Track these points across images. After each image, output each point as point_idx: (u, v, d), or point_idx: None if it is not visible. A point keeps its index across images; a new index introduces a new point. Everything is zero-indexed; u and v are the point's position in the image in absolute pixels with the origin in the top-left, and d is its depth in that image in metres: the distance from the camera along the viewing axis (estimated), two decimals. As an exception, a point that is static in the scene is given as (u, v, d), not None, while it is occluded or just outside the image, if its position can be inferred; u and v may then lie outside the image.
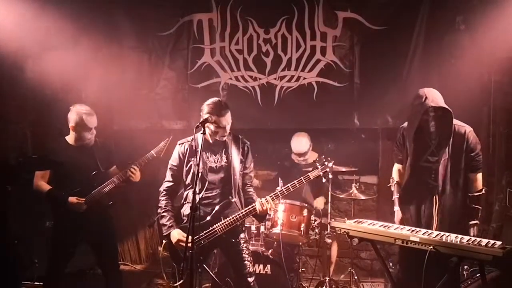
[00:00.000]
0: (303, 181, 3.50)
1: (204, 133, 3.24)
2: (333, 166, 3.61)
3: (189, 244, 2.99)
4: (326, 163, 3.53)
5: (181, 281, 3.23)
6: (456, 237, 3.03)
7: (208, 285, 4.36)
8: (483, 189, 3.63)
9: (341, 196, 4.67)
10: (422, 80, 4.78)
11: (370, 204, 5.35)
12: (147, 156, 3.91)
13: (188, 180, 3.55)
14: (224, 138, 3.51)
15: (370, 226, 3.29)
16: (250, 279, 3.56)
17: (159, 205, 3.60)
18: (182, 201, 3.61)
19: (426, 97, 3.47)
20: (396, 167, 3.92)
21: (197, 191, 3.10)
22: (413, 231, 3.17)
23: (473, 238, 3.00)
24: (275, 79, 5.18)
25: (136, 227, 5.73)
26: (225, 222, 3.46)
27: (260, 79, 5.20)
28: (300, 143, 4.77)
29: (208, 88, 5.29)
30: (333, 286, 4.51)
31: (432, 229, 3.45)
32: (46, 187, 3.87)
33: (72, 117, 3.84)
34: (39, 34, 5.05)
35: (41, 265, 4.38)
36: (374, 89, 5.00)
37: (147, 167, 3.98)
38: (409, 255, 3.49)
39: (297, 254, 4.60)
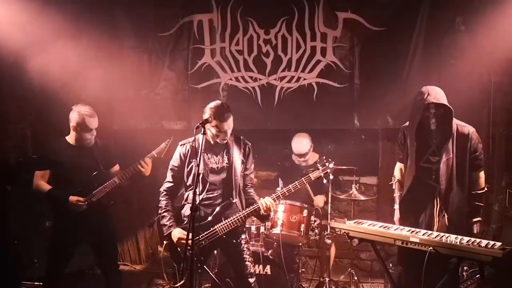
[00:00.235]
0: (304, 182, 3.50)
1: (204, 133, 3.24)
2: (334, 167, 3.61)
3: (190, 244, 2.99)
4: (327, 164, 3.53)
5: (182, 282, 3.23)
6: (456, 238, 3.03)
7: (208, 285, 4.37)
8: (486, 187, 3.65)
9: (341, 196, 4.67)
10: (422, 81, 4.78)
11: (370, 204, 5.36)
12: (148, 157, 3.91)
13: (189, 181, 3.56)
14: (225, 141, 3.52)
15: (370, 227, 3.29)
16: (251, 280, 3.57)
17: (159, 205, 3.60)
18: (183, 201, 3.62)
19: (428, 94, 3.48)
20: (398, 166, 3.93)
21: (198, 192, 3.10)
22: (413, 231, 3.17)
23: (472, 239, 3.00)
24: (275, 79, 5.18)
25: (136, 227, 5.73)
26: (226, 222, 3.47)
27: (260, 79, 5.21)
28: (301, 143, 4.78)
29: (208, 89, 5.29)
30: (333, 287, 4.51)
31: (433, 230, 3.45)
32: (46, 187, 3.87)
33: (74, 117, 3.84)
34: (39, 34, 5.04)
35: (41, 265, 4.39)
36: (374, 90, 5.01)
37: (151, 165, 3.97)
38: (408, 256, 3.49)
39: (297, 255, 4.60)
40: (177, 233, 3.47)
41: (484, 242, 2.94)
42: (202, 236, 3.42)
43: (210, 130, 3.42)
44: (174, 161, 3.62)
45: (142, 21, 5.30)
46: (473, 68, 4.72)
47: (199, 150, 3.21)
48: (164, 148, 3.91)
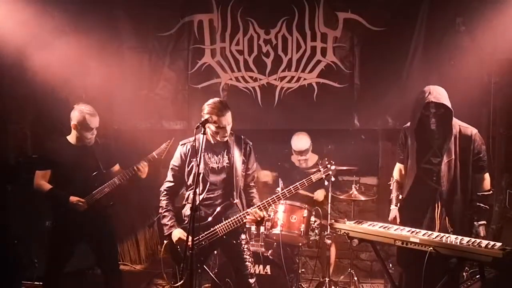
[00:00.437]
0: (306, 184, 3.48)
1: (204, 133, 3.24)
2: (336, 168, 3.59)
3: (189, 245, 2.99)
4: (328, 165, 3.50)
5: (182, 281, 3.23)
6: (456, 238, 3.03)
7: (208, 285, 4.36)
8: (491, 189, 3.61)
9: (341, 197, 4.67)
10: (422, 81, 4.77)
11: (370, 205, 5.35)
12: (148, 158, 3.92)
13: (190, 181, 3.55)
14: (226, 139, 3.51)
15: (370, 227, 3.29)
16: (251, 280, 3.57)
17: (160, 205, 3.60)
18: (184, 201, 3.62)
19: (429, 93, 3.46)
20: (398, 166, 3.91)
21: (198, 192, 3.10)
22: (413, 232, 3.17)
23: (473, 239, 3.00)
24: (275, 79, 5.18)
25: (136, 227, 5.73)
26: (226, 223, 3.47)
27: (260, 79, 5.21)
28: (301, 140, 4.79)
29: (208, 89, 5.29)
30: (333, 287, 4.51)
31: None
32: (46, 186, 3.87)
33: (75, 116, 3.85)
34: (39, 34, 5.04)
35: (41, 265, 4.39)
36: (374, 90, 5.01)
37: (147, 168, 3.97)
38: (407, 257, 3.47)
39: (296, 255, 4.60)
40: (178, 234, 3.47)
41: (484, 243, 2.94)
42: (202, 236, 3.42)
43: (210, 127, 3.41)
44: (175, 160, 3.63)
45: (142, 21, 5.31)
46: (473, 69, 4.72)
47: (200, 150, 3.21)
48: (165, 149, 3.92)
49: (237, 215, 3.48)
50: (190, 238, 3.01)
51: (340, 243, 4.83)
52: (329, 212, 4.37)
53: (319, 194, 4.78)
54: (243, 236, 3.65)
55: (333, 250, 4.72)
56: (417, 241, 3.03)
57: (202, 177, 3.46)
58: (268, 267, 4.18)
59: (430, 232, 3.17)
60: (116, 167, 4.11)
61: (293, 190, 3.49)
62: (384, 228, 3.29)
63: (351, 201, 4.67)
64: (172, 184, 3.62)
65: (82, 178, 3.86)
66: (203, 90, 5.29)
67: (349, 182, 4.93)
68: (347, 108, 5.10)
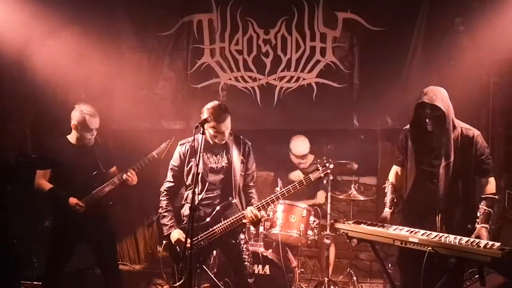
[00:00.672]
0: (304, 183, 3.49)
1: (203, 133, 3.24)
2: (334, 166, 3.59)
3: (188, 244, 2.99)
4: (327, 164, 3.49)
5: (181, 281, 3.23)
6: (455, 238, 3.03)
7: (207, 285, 4.36)
8: (496, 194, 3.46)
9: (340, 197, 4.68)
10: (421, 81, 4.78)
11: (369, 205, 5.35)
12: (148, 157, 3.92)
13: (189, 181, 3.56)
14: (224, 142, 3.52)
15: (369, 227, 3.29)
16: (250, 280, 3.58)
17: (160, 205, 3.61)
18: (183, 201, 3.63)
19: (425, 93, 3.38)
20: (395, 169, 3.80)
21: (197, 192, 3.11)
22: (412, 232, 3.17)
23: (471, 239, 3.00)
24: (274, 79, 5.19)
25: (135, 227, 5.73)
26: (225, 223, 3.47)
27: (259, 79, 5.21)
28: (301, 145, 4.79)
29: (208, 89, 5.29)
30: (332, 287, 4.51)
31: None
32: (47, 186, 3.88)
33: (75, 116, 3.85)
34: (39, 34, 5.06)
35: (40, 265, 4.39)
36: (374, 90, 5.01)
37: (147, 168, 3.98)
38: (407, 257, 3.43)
39: (296, 255, 4.60)
40: (177, 235, 3.47)
41: (483, 243, 2.94)
42: (201, 236, 3.43)
43: (208, 131, 3.43)
44: (174, 160, 3.63)
45: (142, 21, 5.31)
46: (473, 69, 4.72)
47: (198, 150, 3.22)
48: (165, 148, 3.91)
49: (236, 215, 3.48)
50: (189, 237, 3.01)
51: (340, 243, 4.83)
52: (328, 212, 4.37)
53: (320, 197, 4.79)
54: (242, 236, 3.65)
55: (332, 250, 4.72)
56: (416, 241, 3.03)
57: (201, 177, 3.47)
58: (267, 267, 4.19)
59: (429, 232, 3.17)
60: (114, 168, 4.11)
61: (291, 190, 3.49)
62: (383, 227, 3.29)
63: (350, 201, 4.67)
64: (172, 184, 3.62)
65: (82, 177, 3.87)
66: (203, 90, 5.29)
67: (348, 182, 4.93)
68: (346, 108, 5.10)
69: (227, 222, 3.47)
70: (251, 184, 3.73)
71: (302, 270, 4.90)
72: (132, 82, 5.38)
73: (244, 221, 3.48)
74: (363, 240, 3.28)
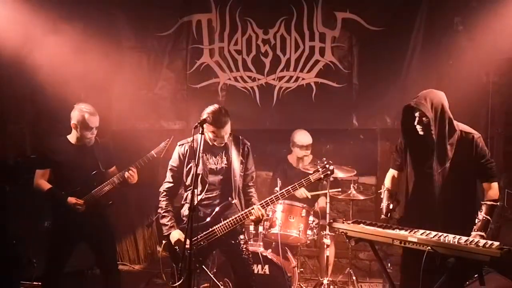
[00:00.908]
0: (304, 184, 3.49)
1: (202, 133, 3.24)
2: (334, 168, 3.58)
3: (188, 245, 2.99)
4: (327, 166, 3.48)
5: (181, 281, 3.23)
6: (454, 237, 3.02)
7: (206, 285, 4.36)
8: (498, 201, 3.31)
9: (339, 196, 4.68)
10: (420, 81, 4.80)
11: (368, 204, 5.36)
12: (147, 156, 3.92)
13: (188, 181, 3.56)
14: (223, 144, 3.53)
15: (368, 227, 3.29)
16: (250, 280, 3.58)
17: (160, 205, 3.60)
18: (182, 201, 3.62)
19: (417, 96, 3.31)
20: (391, 173, 3.67)
21: (197, 192, 3.10)
22: (411, 231, 3.17)
23: (470, 239, 3.00)
24: (273, 79, 5.19)
25: (135, 227, 5.73)
26: (224, 223, 3.47)
27: (259, 79, 5.21)
28: (304, 135, 4.82)
29: (207, 89, 5.30)
30: (331, 287, 4.52)
31: None
32: (46, 185, 3.88)
33: (75, 115, 3.85)
34: (38, 34, 5.05)
35: (40, 265, 4.38)
36: (373, 90, 5.02)
37: (146, 168, 3.98)
38: (412, 258, 3.35)
39: (295, 255, 4.61)
40: (177, 235, 3.47)
41: (482, 242, 2.93)
42: (201, 237, 3.43)
43: (208, 134, 3.43)
44: (173, 161, 3.63)
45: (141, 21, 5.32)
46: (472, 68, 4.73)
47: (198, 151, 3.21)
48: (164, 147, 3.91)
49: (236, 215, 3.48)
50: (188, 237, 3.01)
51: (339, 243, 4.83)
52: (327, 211, 4.37)
53: (321, 202, 4.79)
54: (241, 236, 3.65)
55: (331, 249, 4.72)
56: (415, 240, 3.02)
57: (201, 177, 3.47)
58: (266, 266, 4.18)
59: (428, 232, 3.17)
60: (113, 168, 4.11)
61: (291, 190, 3.49)
62: (383, 227, 3.28)
63: (349, 201, 4.68)
64: (172, 184, 3.62)
65: (81, 177, 3.87)
66: (202, 90, 5.30)
67: (347, 182, 4.93)
68: (345, 108, 5.11)
69: (228, 221, 3.47)
70: (251, 184, 3.73)
71: (302, 270, 4.91)
72: (131, 82, 5.38)
73: (251, 217, 3.46)
74: (362, 239, 3.27)
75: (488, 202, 3.28)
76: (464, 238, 3.01)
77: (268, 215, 4.23)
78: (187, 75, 5.33)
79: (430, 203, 3.38)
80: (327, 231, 4.40)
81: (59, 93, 5.11)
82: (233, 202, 3.55)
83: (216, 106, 3.45)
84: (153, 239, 5.73)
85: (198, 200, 3.31)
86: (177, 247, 3.48)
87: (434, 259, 2.99)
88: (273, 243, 4.35)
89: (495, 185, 3.34)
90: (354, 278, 4.62)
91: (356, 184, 4.68)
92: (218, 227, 3.48)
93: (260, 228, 4.31)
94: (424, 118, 3.25)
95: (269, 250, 4.29)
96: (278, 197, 3.50)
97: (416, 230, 3.19)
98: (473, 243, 2.92)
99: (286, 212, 4.32)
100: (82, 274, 4.78)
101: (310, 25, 5.06)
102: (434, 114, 3.23)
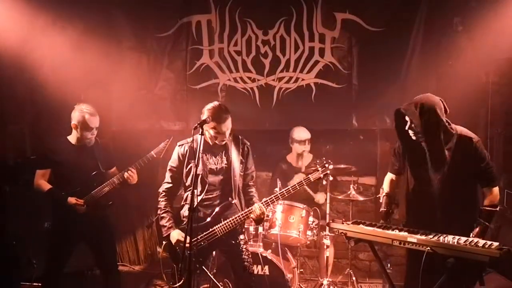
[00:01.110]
0: (304, 183, 3.49)
1: (202, 134, 3.24)
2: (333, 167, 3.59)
3: (188, 245, 3.00)
4: (326, 165, 3.50)
5: (181, 282, 3.23)
6: (453, 238, 3.03)
7: (206, 286, 4.35)
8: (498, 205, 3.27)
9: (339, 197, 4.68)
10: (420, 81, 4.81)
11: (368, 205, 5.36)
12: (147, 157, 3.92)
13: (188, 182, 3.56)
14: (224, 142, 3.52)
15: (367, 227, 3.29)
16: (250, 280, 3.58)
17: (159, 206, 3.60)
18: (182, 202, 3.62)
19: (408, 102, 3.27)
20: (389, 176, 3.63)
21: (197, 193, 3.11)
22: (410, 232, 3.17)
23: (470, 239, 3.00)
24: (273, 80, 5.19)
25: (135, 227, 5.73)
26: (224, 223, 3.47)
27: (258, 80, 5.22)
28: (303, 130, 4.85)
29: (207, 89, 5.30)
30: (331, 287, 4.52)
31: None
32: (46, 186, 3.88)
33: (75, 116, 3.86)
34: (38, 34, 5.05)
35: (40, 265, 4.38)
36: (372, 91, 5.02)
37: (146, 168, 3.98)
38: (416, 258, 3.32)
39: (295, 255, 4.61)
40: (176, 235, 3.47)
41: (481, 242, 2.93)
42: (201, 237, 3.43)
43: (209, 131, 3.43)
44: (173, 162, 3.63)
45: (140, 22, 5.32)
46: (471, 68, 4.73)
47: (198, 151, 3.22)
48: (163, 148, 3.92)
49: (236, 215, 3.48)
50: (188, 238, 3.01)
51: (339, 243, 4.83)
52: (327, 212, 4.37)
53: (320, 197, 4.79)
54: (241, 237, 3.66)
55: (331, 250, 4.72)
56: (415, 241, 3.03)
57: (201, 178, 3.47)
58: (266, 267, 4.18)
59: (427, 232, 3.17)
60: (114, 169, 4.11)
61: (291, 191, 3.49)
62: (382, 228, 3.28)
63: (349, 201, 4.68)
64: (170, 185, 3.62)
65: (81, 178, 3.87)
66: (202, 91, 5.30)
67: (347, 182, 4.93)
68: (345, 108, 5.11)
69: (228, 222, 3.47)
70: (251, 183, 3.73)
71: (302, 270, 4.91)
72: (131, 83, 5.38)
73: (251, 215, 3.47)
74: (362, 240, 3.28)
75: (488, 208, 3.26)
76: (463, 239, 3.01)
77: (268, 216, 4.23)
78: (187, 75, 5.33)
79: (430, 208, 3.35)
80: (327, 232, 4.41)
81: (59, 93, 5.11)
82: (233, 202, 3.55)
83: (216, 102, 3.48)
84: (153, 239, 5.73)
85: (198, 200, 3.31)
86: (177, 248, 3.48)
87: (435, 259, 3.00)
88: (273, 243, 4.36)
89: (495, 189, 3.30)
90: (354, 278, 4.62)
91: (356, 185, 4.68)
92: (218, 227, 3.48)
93: (260, 229, 4.31)
94: (413, 124, 3.23)
95: (269, 251, 4.29)
96: (278, 196, 3.50)
97: (415, 231, 3.18)
98: (473, 244, 2.92)
99: (286, 212, 4.32)
100: (82, 274, 4.78)
101: (310, 25, 5.07)
102: (425, 120, 3.16)
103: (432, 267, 3.03)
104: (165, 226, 3.53)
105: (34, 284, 4.58)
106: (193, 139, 3.39)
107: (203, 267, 3.60)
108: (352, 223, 3.36)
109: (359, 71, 5.04)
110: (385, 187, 3.63)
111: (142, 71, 5.38)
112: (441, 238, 3.04)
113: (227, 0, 5.16)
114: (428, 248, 2.96)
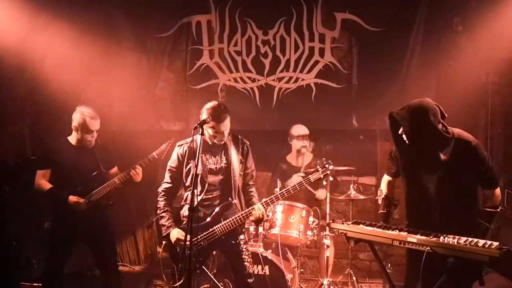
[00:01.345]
0: (304, 183, 3.50)
1: (202, 134, 3.25)
2: (334, 168, 3.59)
3: (188, 245, 3.00)
4: (327, 165, 3.50)
5: (181, 282, 3.23)
6: (453, 238, 3.02)
7: (206, 286, 4.35)
8: (499, 207, 3.25)
9: (339, 197, 4.68)
10: (420, 81, 4.81)
11: (368, 205, 5.36)
12: (148, 157, 3.93)
13: (188, 182, 3.56)
14: (223, 142, 3.53)
15: (367, 227, 3.29)
16: (250, 280, 3.59)
17: (158, 206, 3.61)
18: (182, 202, 3.63)
19: (402, 106, 3.23)
20: (386, 178, 3.59)
21: (197, 193, 3.11)
22: (410, 232, 3.17)
23: (470, 239, 3.00)
24: (273, 80, 5.19)
25: (135, 228, 5.73)
26: (224, 223, 3.47)
27: (258, 80, 5.22)
28: (301, 127, 4.86)
29: (207, 90, 5.30)
30: (331, 287, 4.52)
31: None
32: (46, 186, 3.89)
33: (76, 118, 3.87)
34: (38, 35, 5.06)
35: (40, 265, 4.39)
36: (372, 91, 5.02)
37: (146, 169, 3.98)
38: (416, 258, 3.31)
39: (295, 255, 4.61)
40: (176, 234, 3.48)
41: (481, 242, 2.93)
42: (201, 237, 3.43)
43: (207, 131, 3.43)
44: (172, 162, 3.63)
45: (140, 22, 5.33)
46: (471, 68, 4.73)
47: (197, 151, 3.22)
48: (165, 149, 3.92)
49: (236, 216, 3.49)
50: (188, 238, 3.02)
51: (339, 243, 4.83)
52: (327, 212, 4.38)
53: (321, 194, 4.79)
54: (241, 237, 3.66)
55: (331, 250, 4.72)
56: (415, 241, 3.03)
57: (200, 178, 3.47)
58: (266, 267, 4.18)
59: (427, 232, 3.17)
60: (115, 169, 4.12)
61: (291, 191, 3.49)
62: (382, 228, 3.28)
63: (349, 201, 4.68)
64: (170, 185, 3.63)
65: (82, 178, 3.88)
66: (202, 91, 5.30)
67: (347, 182, 4.93)
68: (345, 109, 5.11)
69: (228, 222, 3.47)
70: (251, 183, 3.74)
71: (302, 270, 4.90)
72: (131, 83, 5.39)
73: (251, 217, 3.47)
74: (362, 240, 3.27)
75: (488, 209, 3.22)
76: (463, 238, 3.00)
77: (268, 216, 4.23)
78: (186, 76, 5.33)
79: (428, 211, 3.31)
80: (327, 232, 4.41)
81: (59, 93, 5.12)
82: (233, 202, 3.56)
83: (215, 102, 3.48)
84: (153, 240, 5.73)
85: (198, 200, 3.31)
86: (177, 247, 3.48)
87: (435, 259, 3.00)
88: (273, 243, 4.36)
89: (496, 191, 3.26)
90: (354, 278, 4.62)
91: (356, 185, 4.68)
92: (218, 227, 3.48)
93: (260, 229, 4.31)
94: (405, 129, 3.17)
95: (269, 251, 4.29)
96: (278, 197, 3.50)
97: (415, 231, 3.18)
98: (473, 243, 2.91)
99: (286, 212, 4.32)
100: (82, 275, 4.78)
101: (310, 25, 5.07)
102: (416, 125, 3.12)
103: (432, 267, 3.03)
104: (165, 225, 3.53)
105: (34, 284, 4.59)
106: (192, 139, 3.39)
107: (203, 267, 3.60)
108: (352, 223, 3.35)
109: (359, 71, 5.04)
110: (383, 188, 3.61)
111: (142, 71, 5.39)
112: (441, 238, 3.03)
113: (227, 0, 5.16)
114: (428, 248, 2.96)
